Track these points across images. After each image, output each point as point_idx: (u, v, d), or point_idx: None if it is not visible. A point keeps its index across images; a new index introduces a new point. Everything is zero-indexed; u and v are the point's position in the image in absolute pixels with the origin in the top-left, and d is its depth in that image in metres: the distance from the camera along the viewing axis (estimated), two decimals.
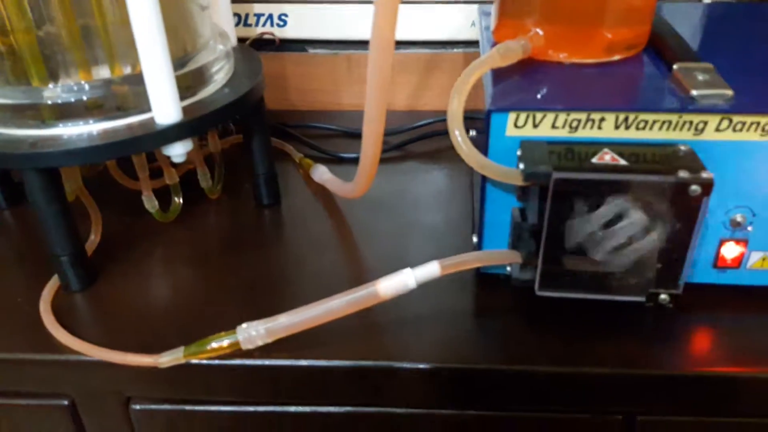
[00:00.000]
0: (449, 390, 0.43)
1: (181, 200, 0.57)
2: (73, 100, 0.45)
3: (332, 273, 0.51)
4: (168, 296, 0.49)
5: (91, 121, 0.46)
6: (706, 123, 0.39)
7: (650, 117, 0.39)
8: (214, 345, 0.41)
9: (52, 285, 0.49)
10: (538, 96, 0.41)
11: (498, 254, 0.42)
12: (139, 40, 0.43)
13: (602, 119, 0.39)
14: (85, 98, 0.45)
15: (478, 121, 0.44)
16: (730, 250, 0.43)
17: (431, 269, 0.40)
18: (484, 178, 0.42)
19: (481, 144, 0.41)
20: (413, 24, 0.73)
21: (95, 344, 0.43)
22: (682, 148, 0.38)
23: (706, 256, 0.43)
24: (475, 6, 0.70)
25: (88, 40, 0.46)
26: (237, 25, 0.74)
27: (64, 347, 0.44)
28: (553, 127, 0.40)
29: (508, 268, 0.42)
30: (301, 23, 0.74)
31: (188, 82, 0.49)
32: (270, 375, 0.43)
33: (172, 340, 0.43)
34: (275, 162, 0.59)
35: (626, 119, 0.39)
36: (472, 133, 0.46)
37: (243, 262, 0.52)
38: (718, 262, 0.43)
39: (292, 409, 0.45)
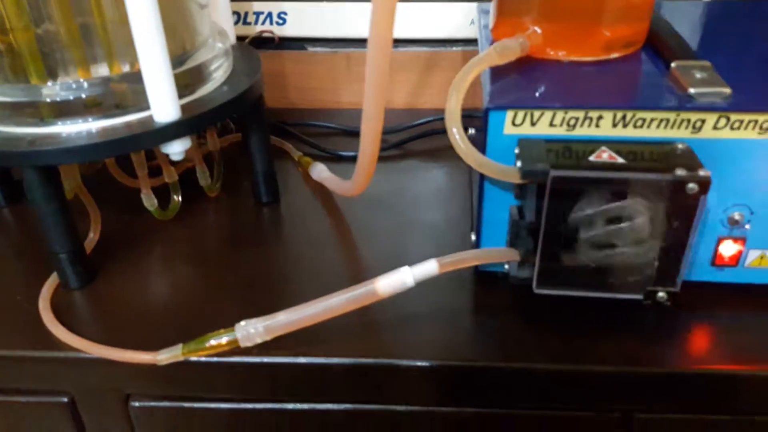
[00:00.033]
0: (448, 388, 0.43)
1: (180, 198, 0.57)
2: (71, 98, 0.45)
3: (331, 271, 0.51)
4: (167, 294, 0.49)
5: (89, 119, 0.46)
6: (703, 121, 0.39)
7: (648, 115, 0.39)
8: (213, 342, 0.41)
9: (52, 283, 0.49)
10: (536, 94, 0.41)
11: (496, 252, 0.42)
12: (137, 39, 0.43)
13: (600, 117, 0.39)
14: (83, 96, 0.45)
15: (477, 119, 0.44)
16: (728, 248, 0.43)
17: (429, 267, 0.40)
18: (482, 176, 0.42)
19: (480, 142, 0.41)
20: (413, 22, 0.73)
21: (94, 341, 0.43)
22: (680, 146, 0.38)
23: (704, 255, 0.43)
24: (475, 4, 0.70)
25: (87, 38, 0.46)
26: (236, 23, 0.74)
27: (64, 344, 0.44)
28: (551, 125, 0.40)
29: (506, 266, 0.42)
30: (300, 21, 0.74)
31: (187, 80, 0.49)
32: (268, 372, 0.43)
33: (171, 337, 0.43)
34: (274, 160, 0.59)
35: (624, 117, 0.39)
36: (471, 131, 0.46)
37: (242, 260, 0.52)
38: (716, 260, 0.43)
39: (291, 406, 0.46)
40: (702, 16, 0.57)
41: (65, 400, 0.46)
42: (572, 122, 0.40)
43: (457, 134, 0.39)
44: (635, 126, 0.39)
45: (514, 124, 0.40)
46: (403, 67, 0.74)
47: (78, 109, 0.45)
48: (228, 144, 0.68)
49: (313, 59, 0.75)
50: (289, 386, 0.44)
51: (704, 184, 0.35)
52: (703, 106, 0.38)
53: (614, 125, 0.39)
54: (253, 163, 0.58)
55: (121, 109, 0.46)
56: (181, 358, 0.42)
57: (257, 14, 0.75)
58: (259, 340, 0.41)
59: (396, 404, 0.45)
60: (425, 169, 0.65)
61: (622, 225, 0.37)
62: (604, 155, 0.38)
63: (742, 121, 0.38)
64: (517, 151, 0.40)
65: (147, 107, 0.46)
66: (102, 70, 0.47)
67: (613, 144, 0.39)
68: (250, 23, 0.75)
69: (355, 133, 0.69)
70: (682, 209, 0.37)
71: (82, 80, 0.46)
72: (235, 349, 0.42)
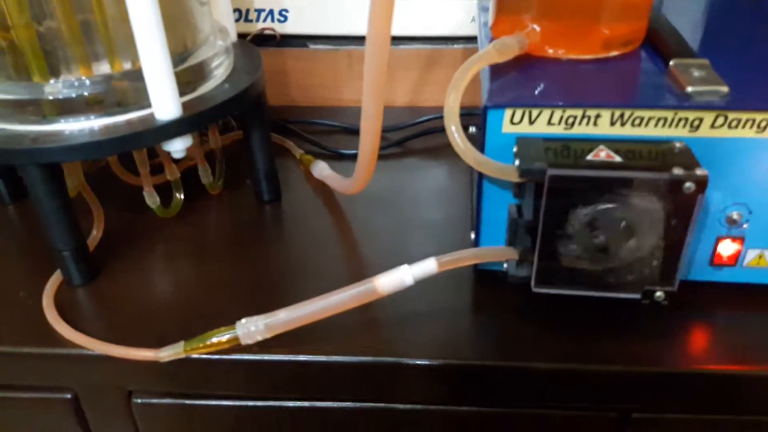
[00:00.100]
0: (448, 386, 0.43)
1: (182, 196, 0.57)
2: (73, 95, 0.45)
3: (332, 269, 0.51)
4: (169, 291, 0.49)
5: (92, 117, 0.46)
6: (701, 120, 0.39)
7: (646, 114, 0.39)
8: (214, 340, 0.42)
9: (55, 280, 0.49)
10: (534, 92, 0.41)
11: (494, 251, 0.42)
12: (138, 36, 0.43)
13: (598, 116, 0.39)
14: (85, 94, 0.46)
15: (477, 117, 0.45)
16: (727, 248, 0.43)
17: (428, 266, 0.41)
18: (480, 175, 0.42)
19: (479, 140, 0.42)
20: (413, 20, 0.73)
21: (97, 338, 0.44)
22: (678, 145, 0.38)
23: (702, 254, 0.44)
24: (475, 1, 0.70)
25: (88, 35, 0.46)
26: (238, 20, 0.74)
27: (67, 341, 0.44)
28: (549, 123, 0.40)
29: (505, 265, 0.43)
30: (301, 19, 0.74)
31: (188, 77, 0.49)
32: (269, 370, 0.43)
33: (173, 334, 0.43)
34: (276, 158, 0.60)
35: (622, 116, 0.39)
36: (472, 129, 0.46)
37: (243, 257, 0.52)
38: (714, 260, 0.43)
39: (291, 404, 0.46)
40: (703, 14, 0.57)
41: (68, 396, 0.47)
42: (570, 121, 0.40)
43: (455, 132, 0.39)
44: (633, 124, 0.39)
45: (512, 122, 0.40)
46: (403, 64, 0.74)
47: (80, 106, 0.46)
48: (230, 142, 0.68)
49: (314, 56, 0.75)
50: (290, 384, 0.44)
51: (701, 183, 0.35)
52: (701, 105, 0.38)
53: (612, 124, 0.40)
54: (254, 161, 0.58)
55: (122, 106, 0.47)
56: (183, 356, 0.42)
57: (258, 11, 0.75)
58: (259, 338, 0.41)
59: (396, 402, 0.45)
60: (426, 167, 0.65)
61: (620, 224, 0.37)
62: (602, 154, 0.38)
63: (739, 120, 0.38)
64: (515, 149, 0.40)
65: (148, 105, 0.46)
66: (103, 68, 0.47)
67: (611, 143, 0.39)
68: (251, 20, 0.75)
69: (356, 131, 0.69)
70: (679, 208, 0.37)
71: (83, 78, 0.46)
72: (236, 346, 0.42)
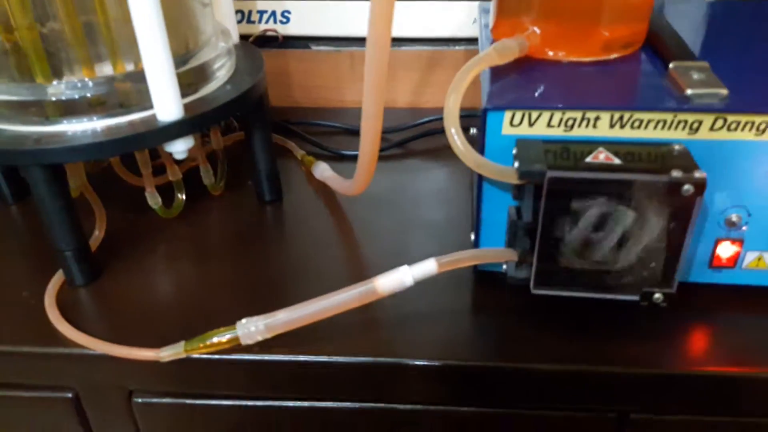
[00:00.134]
0: (447, 387, 0.44)
1: (184, 197, 0.58)
2: (76, 97, 0.46)
3: (333, 269, 0.51)
4: (171, 291, 0.50)
5: (94, 118, 0.46)
6: (700, 122, 0.39)
7: (645, 116, 0.39)
8: (215, 340, 0.42)
9: (57, 280, 0.49)
10: (534, 94, 0.41)
11: (494, 252, 0.42)
12: (140, 38, 0.43)
13: (597, 118, 0.39)
14: (88, 95, 0.46)
15: (478, 119, 0.45)
16: (726, 250, 0.43)
17: (428, 267, 0.41)
18: (480, 177, 0.42)
19: (479, 142, 0.42)
20: (415, 21, 0.73)
21: (99, 338, 0.44)
22: (677, 147, 0.38)
23: (701, 256, 0.44)
24: (476, 3, 0.70)
25: (91, 36, 0.46)
26: (240, 22, 0.75)
27: (69, 341, 0.44)
28: (549, 125, 0.40)
29: (504, 266, 0.43)
30: (303, 20, 0.75)
31: (190, 79, 0.50)
32: (269, 370, 0.43)
33: (174, 334, 0.43)
34: (278, 159, 0.60)
35: (621, 118, 0.39)
36: (473, 130, 0.47)
37: (245, 258, 0.53)
38: (713, 262, 0.44)
39: (291, 404, 0.46)
40: (705, 16, 0.57)
41: (70, 395, 0.47)
42: (570, 123, 0.40)
43: (455, 134, 0.40)
44: (632, 127, 0.39)
45: (512, 124, 0.40)
46: (405, 66, 0.74)
47: (83, 107, 0.46)
48: (232, 142, 0.68)
49: (316, 58, 0.75)
50: (290, 384, 0.44)
51: (700, 186, 0.36)
52: (700, 108, 0.38)
53: (611, 126, 0.40)
54: (255, 162, 0.58)
55: (125, 108, 0.47)
56: (184, 356, 0.42)
57: (261, 13, 0.75)
58: (259, 338, 0.42)
59: (396, 403, 0.45)
60: (427, 169, 0.65)
61: (618, 226, 0.37)
62: (601, 156, 0.38)
63: (738, 123, 0.38)
64: (514, 151, 0.40)
65: (151, 106, 0.46)
66: (106, 69, 0.47)
67: (611, 145, 0.39)
68: (254, 22, 0.75)
69: (358, 132, 0.69)
70: (678, 211, 0.37)
71: (86, 79, 0.46)
72: (237, 346, 0.42)
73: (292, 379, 0.44)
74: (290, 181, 0.63)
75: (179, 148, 0.48)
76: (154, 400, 0.47)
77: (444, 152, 0.67)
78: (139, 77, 0.46)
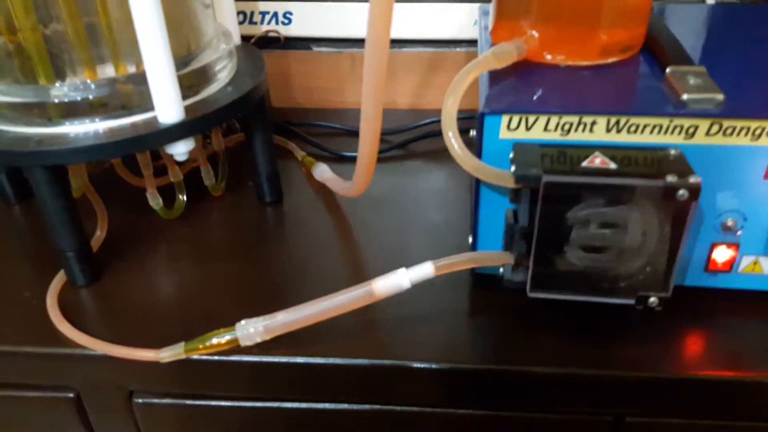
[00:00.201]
0: (446, 389, 0.44)
1: (185, 198, 0.58)
2: (78, 98, 0.46)
3: (333, 270, 0.51)
4: (171, 292, 0.50)
5: (96, 120, 0.46)
6: (696, 127, 0.39)
7: (641, 121, 0.39)
8: (214, 341, 0.42)
9: (59, 280, 0.50)
10: (531, 99, 0.41)
11: (491, 255, 0.43)
12: (141, 40, 0.43)
13: (594, 123, 0.40)
14: (90, 97, 0.46)
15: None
16: (722, 254, 0.43)
17: (425, 270, 0.41)
18: (478, 180, 0.42)
19: (476, 146, 0.42)
20: (416, 23, 0.73)
21: (100, 339, 0.44)
22: (673, 152, 0.39)
23: (697, 260, 0.44)
24: (477, 5, 0.70)
25: (93, 38, 0.46)
26: (242, 23, 0.75)
27: (70, 341, 0.45)
28: (546, 130, 0.40)
29: (501, 270, 0.43)
30: (305, 21, 0.75)
31: (191, 81, 0.50)
32: (268, 371, 0.44)
33: (174, 335, 0.44)
34: (279, 160, 0.60)
35: (617, 123, 0.39)
36: (473, 133, 0.47)
37: (245, 259, 0.53)
38: (709, 266, 0.44)
39: (290, 405, 0.46)
40: (705, 19, 0.57)
41: (71, 395, 0.47)
42: (566, 127, 0.40)
43: (452, 138, 0.40)
44: (629, 131, 0.40)
45: (509, 128, 0.41)
46: (406, 67, 0.74)
47: (85, 109, 0.46)
48: (233, 144, 0.69)
49: (318, 59, 0.76)
50: (289, 385, 0.45)
51: (695, 191, 0.36)
52: (696, 113, 0.39)
53: (608, 130, 0.40)
54: (256, 163, 0.58)
55: (126, 109, 0.47)
56: (183, 356, 0.43)
57: (263, 14, 0.75)
58: (258, 340, 0.42)
59: (394, 404, 0.46)
60: (428, 170, 0.65)
61: (614, 230, 0.38)
62: (597, 161, 0.38)
63: (734, 128, 0.39)
64: (511, 155, 0.40)
65: (152, 108, 0.47)
66: (108, 71, 0.47)
67: (607, 149, 0.39)
68: (256, 23, 0.76)
69: (359, 133, 0.70)
70: (673, 215, 0.37)
71: (88, 81, 0.46)
72: (236, 347, 0.42)
73: (291, 380, 0.44)
74: (291, 182, 0.63)
75: (180, 150, 0.49)
76: (155, 400, 0.47)
77: (445, 154, 0.66)
78: (140, 79, 0.46)
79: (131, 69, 0.48)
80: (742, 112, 0.38)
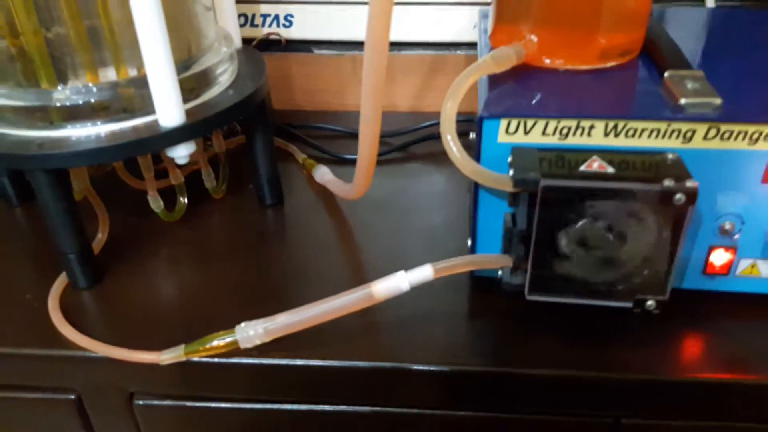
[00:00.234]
0: (445, 391, 0.44)
1: (186, 200, 0.58)
2: (80, 102, 0.46)
3: (333, 273, 0.52)
4: (172, 294, 0.50)
5: (98, 123, 0.47)
6: (694, 131, 0.39)
7: (639, 125, 0.39)
8: (214, 343, 0.42)
9: (61, 282, 0.50)
10: (530, 103, 0.42)
11: (489, 258, 0.43)
12: (142, 44, 0.44)
13: (592, 127, 0.40)
14: (92, 100, 0.46)
15: None
16: (720, 257, 0.43)
17: (424, 272, 0.41)
18: (476, 183, 0.42)
19: (475, 149, 0.42)
20: (417, 25, 0.73)
21: (101, 341, 0.44)
22: (670, 156, 0.39)
23: (695, 263, 0.44)
24: (477, 8, 0.71)
25: (95, 42, 0.46)
26: (244, 25, 0.75)
27: (71, 343, 0.45)
28: (544, 134, 0.41)
29: (500, 273, 0.43)
30: (306, 24, 0.75)
31: (192, 84, 0.50)
32: (268, 373, 0.44)
33: (175, 337, 0.44)
34: (279, 162, 0.60)
35: (615, 127, 0.40)
36: (472, 135, 0.47)
37: (246, 261, 0.53)
38: (707, 269, 0.44)
39: (290, 407, 0.47)
40: (705, 23, 0.57)
41: (72, 397, 0.48)
42: (564, 131, 0.40)
43: (451, 142, 0.40)
44: (627, 135, 0.40)
45: (507, 132, 0.41)
46: (407, 70, 0.75)
47: (87, 112, 0.46)
48: (234, 146, 0.69)
49: (319, 61, 0.76)
50: (288, 387, 0.45)
51: (692, 195, 0.36)
52: (694, 117, 0.39)
53: (606, 135, 0.40)
54: (257, 166, 0.59)
55: (128, 113, 0.47)
56: (183, 359, 0.43)
57: (264, 17, 0.75)
58: (258, 342, 0.42)
59: (394, 406, 0.46)
60: (428, 173, 0.65)
61: (612, 234, 0.38)
62: (595, 165, 0.38)
63: (732, 132, 0.39)
64: (510, 159, 0.40)
65: (153, 111, 0.47)
66: (110, 75, 0.48)
67: (605, 153, 0.39)
68: (257, 25, 0.76)
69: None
70: (670, 219, 0.37)
71: (90, 84, 0.47)
72: (236, 350, 0.43)
73: (291, 382, 0.44)
74: (291, 184, 0.63)
75: (181, 153, 0.49)
76: (155, 402, 0.47)
77: (444, 156, 0.65)
78: (142, 83, 0.46)
79: (133, 72, 0.48)
80: (740, 116, 0.39)
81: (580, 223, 0.38)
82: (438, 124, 0.68)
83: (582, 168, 0.38)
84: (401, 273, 0.41)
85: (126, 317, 0.48)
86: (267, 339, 0.42)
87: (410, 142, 0.69)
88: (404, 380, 0.44)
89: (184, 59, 0.50)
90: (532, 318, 0.45)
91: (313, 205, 0.61)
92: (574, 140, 0.41)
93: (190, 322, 0.46)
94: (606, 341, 0.43)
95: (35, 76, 0.46)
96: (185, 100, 0.48)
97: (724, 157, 0.40)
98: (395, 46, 0.74)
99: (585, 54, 0.45)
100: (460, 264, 0.42)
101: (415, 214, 0.58)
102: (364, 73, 0.43)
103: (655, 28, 0.50)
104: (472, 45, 0.73)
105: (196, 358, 0.43)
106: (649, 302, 0.40)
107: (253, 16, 0.76)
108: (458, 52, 0.73)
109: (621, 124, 0.40)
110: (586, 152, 0.40)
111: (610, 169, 0.38)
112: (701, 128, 0.39)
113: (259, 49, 0.71)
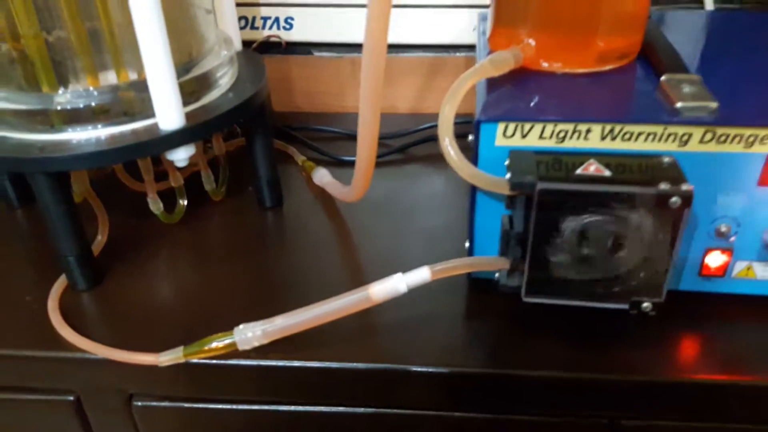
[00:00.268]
0: (444, 392, 0.44)
1: (186, 202, 0.58)
2: (81, 105, 0.46)
3: (332, 275, 0.52)
4: (172, 296, 0.50)
5: (98, 126, 0.47)
6: (690, 135, 0.39)
7: (635, 129, 0.40)
8: (212, 345, 0.43)
9: (60, 284, 0.50)
10: (527, 106, 0.42)
11: (486, 261, 0.43)
12: (142, 48, 0.44)
13: (588, 130, 0.40)
14: (93, 104, 0.47)
15: None
16: (715, 259, 0.43)
17: (422, 274, 0.41)
18: (474, 186, 0.43)
19: (472, 152, 0.42)
20: (417, 28, 0.74)
21: (100, 342, 0.45)
22: (666, 159, 0.39)
23: (691, 265, 0.44)
24: (477, 11, 0.71)
25: (96, 45, 0.47)
26: (244, 28, 0.76)
27: (71, 345, 0.45)
28: (541, 137, 0.41)
29: (497, 275, 0.43)
30: (306, 26, 0.75)
31: (192, 87, 0.50)
32: (265, 375, 0.44)
33: (175, 338, 0.44)
34: (279, 164, 0.61)
35: (612, 131, 0.40)
36: (471, 137, 0.47)
37: (245, 263, 0.53)
38: (703, 271, 0.44)
39: (289, 408, 0.47)
40: (704, 26, 0.57)
41: (71, 398, 0.48)
42: (561, 135, 0.40)
43: (449, 145, 0.40)
44: (623, 139, 0.40)
45: (505, 135, 0.41)
46: (406, 72, 0.75)
47: (87, 116, 0.47)
48: (234, 148, 0.69)
49: (319, 64, 0.76)
50: (287, 389, 0.45)
51: (687, 198, 0.36)
52: (690, 121, 0.39)
53: (603, 138, 0.40)
54: (256, 168, 0.59)
55: (128, 116, 0.48)
56: (182, 360, 0.43)
57: (264, 19, 0.76)
58: (256, 344, 0.42)
59: (392, 408, 0.46)
60: (427, 174, 0.65)
61: (608, 237, 0.38)
62: (591, 168, 0.38)
63: (728, 136, 0.39)
64: (507, 162, 0.40)
65: (153, 114, 0.47)
66: (110, 78, 0.48)
67: (602, 156, 0.40)
68: (257, 28, 0.76)
69: None
70: (666, 222, 0.37)
71: (91, 88, 0.47)
72: (234, 351, 0.43)
73: (290, 384, 0.45)
74: (291, 186, 0.64)
75: (181, 156, 0.49)
76: (154, 403, 0.48)
77: (443, 158, 0.67)
78: (142, 86, 0.46)
79: (133, 76, 0.48)
80: (736, 120, 0.39)
81: (577, 225, 0.38)
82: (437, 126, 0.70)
83: (579, 171, 0.38)
84: (399, 275, 0.42)
85: (125, 319, 0.48)
86: (265, 341, 0.42)
87: (409, 144, 0.69)
88: (403, 382, 0.44)
89: (185, 62, 0.50)
90: (530, 319, 0.46)
91: (312, 206, 0.61)
92: (571, 143, 0.41)
93: (190, 324, 0.47)
94: (604, 343, 0.44)
95: (36, 80, 0.47)
96: (185, 103, 0.48)
97: (720, 161, 0.40)
98: (395, 48, 0.74)
99: (583, 57, 0.46)
100: (458, 266, 0.42)
101: (414, 216, 0.58)
102: (363, 75, 0.44)
103: (654, 31, 0.50)
104: (471, 47, 0.74)
105: (194, 360, 0.43)
106: (645, 304, 0.40)
107: (254, 18, 0.76)
108: (458, 54, 0.74)
109: (618, 128, 0.40)
110: (583, 155, 0.40)
111: (607, 173, 0.38)
112: (697, 132, 0.39)
113: (260, 51, 0.72)
